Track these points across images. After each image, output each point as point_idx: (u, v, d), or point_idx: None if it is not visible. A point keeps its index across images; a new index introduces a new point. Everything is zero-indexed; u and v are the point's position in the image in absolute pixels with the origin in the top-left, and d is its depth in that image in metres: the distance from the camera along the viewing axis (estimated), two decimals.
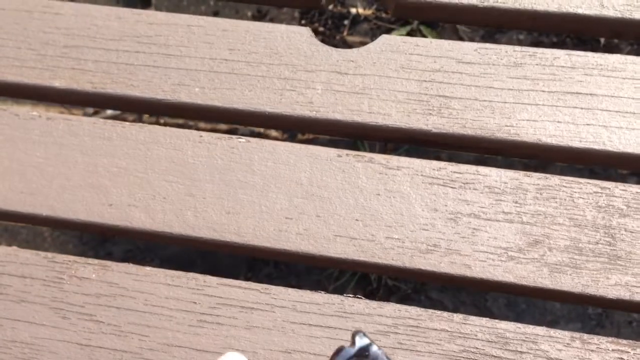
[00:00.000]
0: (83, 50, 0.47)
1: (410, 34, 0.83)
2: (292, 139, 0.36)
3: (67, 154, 0.43)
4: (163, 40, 0.47)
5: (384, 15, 0.97)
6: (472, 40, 0.79)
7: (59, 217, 0.41)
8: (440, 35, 0.84)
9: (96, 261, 0.39)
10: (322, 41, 0.46)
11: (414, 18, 0.87)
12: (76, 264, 0.39)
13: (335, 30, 0.98)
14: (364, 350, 0.31)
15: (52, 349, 0.37)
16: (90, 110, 0.72)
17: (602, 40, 0.84)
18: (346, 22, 0.99)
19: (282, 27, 0.47)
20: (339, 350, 0.31)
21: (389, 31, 0.82)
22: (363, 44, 0.79)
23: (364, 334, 0.31)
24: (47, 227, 0.66)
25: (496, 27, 0.83)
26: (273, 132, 0.60)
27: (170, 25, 0.47)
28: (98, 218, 0.40)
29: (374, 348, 0.31)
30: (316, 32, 0.43)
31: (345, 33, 0.98)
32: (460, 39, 0.82)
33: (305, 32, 0.46)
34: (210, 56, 0.46)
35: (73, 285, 0.38)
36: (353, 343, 0.31)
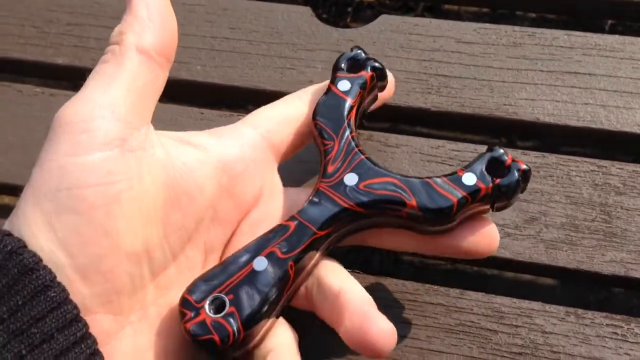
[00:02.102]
0: (86, 28, 0.47)
1: None
2: None
3: None
4: None
5: (387, 1, 0.97)
6: None
7: None
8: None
9: None
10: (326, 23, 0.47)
11: None
12: None
13: (339, 16, 0.98)
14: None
15: None
16: None
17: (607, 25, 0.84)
18: (349, 9, 0.99)
19: (282, 7, 0.47)
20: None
21: None
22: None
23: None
24: None
25: (495, 8, 0.83)
26: None
27: (171, 3, 0.47)
28: None
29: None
30: (319, 19, 0.44)
31: (348, 19, 0.98)
32: None
33: (306, 11, 0.47)
34: (211, 34, 0.46)
35: None
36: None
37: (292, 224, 0.31)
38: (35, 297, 0.25)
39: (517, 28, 0.44)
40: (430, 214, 0.30)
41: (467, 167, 0.31)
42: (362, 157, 0.32)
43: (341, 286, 0.30)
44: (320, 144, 0.33)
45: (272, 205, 0.33)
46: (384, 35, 0.45)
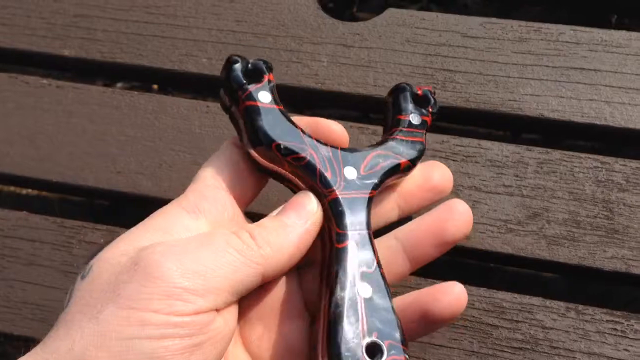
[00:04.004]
0: (93, 19, 0.47)
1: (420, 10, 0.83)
2: (299, 112, 0.36)
3: (77, 122, 0.44)
4: (171, 10, 0.47)
5: None
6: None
7: (68, 183, 0.42)
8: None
9: (104, 227, 0.40)
10: (331, 17, 0.47)
11: None
12: (85, 229, 0.40)
13: (345, 6, 0.98)
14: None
15: (61, 310, 0.38)
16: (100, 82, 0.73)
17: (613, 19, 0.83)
18: None
19: (288, 0, 0.47)
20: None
21: (398, 7, 0.82)
22: None
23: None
24: (56, 197, 0.67)
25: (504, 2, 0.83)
26: None
27: None
28: (106, 185, 0.41)
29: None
30: (325, 8, 0.43)
31: (355, 9, 0.98)
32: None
33: (312, 4, 0.47)
34: (217, 27, 0.46)
35: (82, 250, 0.39)
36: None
37: (350, 241, 0.30)
38: None
39: (522, 23, 0.44)
40: (417, 159, 0.34)
41: (400, 112, 0.35)
42: (338, 149, 0.32)
43: None
44: (294, 161, 0.31)
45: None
46: (390, 29, 0.45)
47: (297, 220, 0.30)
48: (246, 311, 0.31)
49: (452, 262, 0.41)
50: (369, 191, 0.31)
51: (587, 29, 0.44)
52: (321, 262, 0.31)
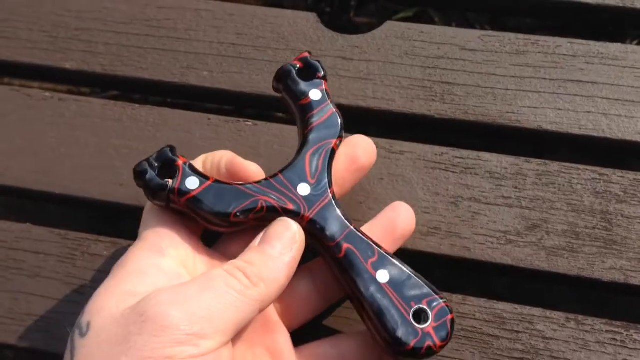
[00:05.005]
0: (94, 32, 0.48)
1: (417, 14, 0.84)
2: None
3: (79, 135, 0.44)
4: (172, 24, 0.47)
5: None
6: (479, 23, 0.79)
7: (72, 195, 0.42)
8: (447, 18, 0.85)
9: (107, 239, 0.40)
10: (329, 22, 0.47)
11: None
12: (88, 241, 0.40)
13: (342, 11, 0.98)
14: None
15: (66, 322, 0.38)
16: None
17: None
18: (353, 2, 0.99)
19: (288, 12, 0.47)
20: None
21: (396, 12, 0.83)
22: (370, 25, 0.80)
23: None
24: (58, 209, 0.67)
25: (500, 12, 0.84)
26: (279, 115, 0.61)
27: (178, 9, 0.48)
28: (109, 197, 0.42)
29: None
30: (323, 13, 0.44)
31: (352, 14, 0.98)
32: (467, 22, 0.83)
33: (312, 17, 0.47)
34: (218, 40, 0.47)
35: (85, 262, 0.40)
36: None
37: (345, 246, 0.32)
38: None
39: (520, 36, 0.45)
40: (341, 131, 0.35)
41: (298, 97, 0.35)
42: (279, 175, 0.34)
43: None
44: (255, 215, 0.32)
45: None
46: (389, 42, 0.46)
47: (283, 250, 0.31)
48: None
49: (452, 274, 0.41)
50: (328, 192, 0.33)
51: (584, 41, 0.44)
52: (332, 275, 0.33)
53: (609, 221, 0.39)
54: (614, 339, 0.36)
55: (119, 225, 0.45)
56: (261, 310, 0.30)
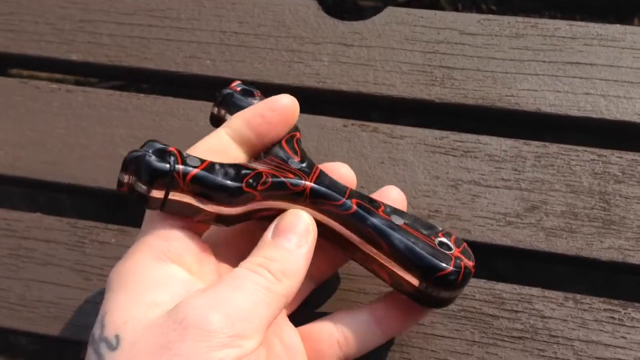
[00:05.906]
0: (98, 24, 0.48)
1: None
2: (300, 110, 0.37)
3: (86, 125, 0.45)
4: (175, 13, 0.48)
5: None
6: (485, 4, 0.79)
7: (80, 185, 0.43)
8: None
9: (115, 226, 0.41)
10: (334, 5, 0.48)
11: None
12: (96, 229, 0.41)
13: None
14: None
15: (76, 308, 0.39)
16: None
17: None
18: None
19: (289, 0, 0.48)
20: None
21: None
22: (374, 8, 0.80)
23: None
24: (68, 199, 0.68)
25: None
26: None
27: None
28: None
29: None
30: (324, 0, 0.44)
31: None
32: (474, 2, 0.82)
33: (313, 4, 0.48)
34: (220, 29, 0.47)
35: (94, 249, 0.41)
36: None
37: (354, 201, 0.33)
38: None
39: (520, 19, 0.45)
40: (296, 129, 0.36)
41: None
42: (264, 154, 0.34)
43: None
44: (262, 186, 0.32)
45: None
46: (389, 27, 0.46)
47: (300, 242, 0.32)
48: None
49: None
50: (316, 165, 0.34)
51: (583, 23, 0.45)
52: (334, 242, 0.34)
53: (607, 201, 0.39)
54: (612, 317, 0.37)
55: (127, 213, 0.45)
56: (286, 304, 0.31)
